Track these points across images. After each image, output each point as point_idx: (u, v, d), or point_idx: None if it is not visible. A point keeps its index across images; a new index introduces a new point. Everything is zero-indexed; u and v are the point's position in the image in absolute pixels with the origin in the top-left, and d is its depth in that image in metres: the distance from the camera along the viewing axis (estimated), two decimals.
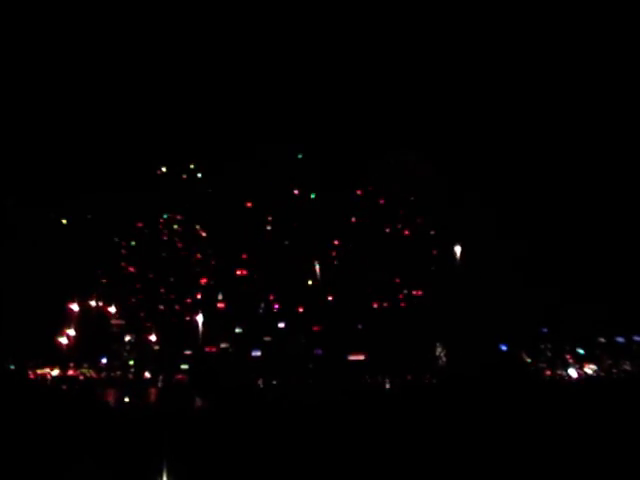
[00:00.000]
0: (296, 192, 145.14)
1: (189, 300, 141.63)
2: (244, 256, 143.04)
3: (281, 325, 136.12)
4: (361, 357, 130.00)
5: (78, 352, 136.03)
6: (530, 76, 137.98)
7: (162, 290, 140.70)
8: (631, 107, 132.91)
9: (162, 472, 27.59)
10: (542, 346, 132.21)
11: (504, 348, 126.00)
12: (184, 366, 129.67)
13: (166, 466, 27.91)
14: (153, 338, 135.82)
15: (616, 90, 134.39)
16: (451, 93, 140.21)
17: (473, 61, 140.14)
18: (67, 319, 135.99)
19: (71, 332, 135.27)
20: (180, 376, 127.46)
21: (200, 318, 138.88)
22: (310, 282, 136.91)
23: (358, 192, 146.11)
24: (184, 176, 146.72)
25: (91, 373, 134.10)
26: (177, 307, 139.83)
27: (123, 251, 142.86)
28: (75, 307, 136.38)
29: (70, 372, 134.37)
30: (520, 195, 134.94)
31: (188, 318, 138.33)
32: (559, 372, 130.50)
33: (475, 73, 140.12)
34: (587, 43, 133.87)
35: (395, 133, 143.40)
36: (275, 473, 35.91)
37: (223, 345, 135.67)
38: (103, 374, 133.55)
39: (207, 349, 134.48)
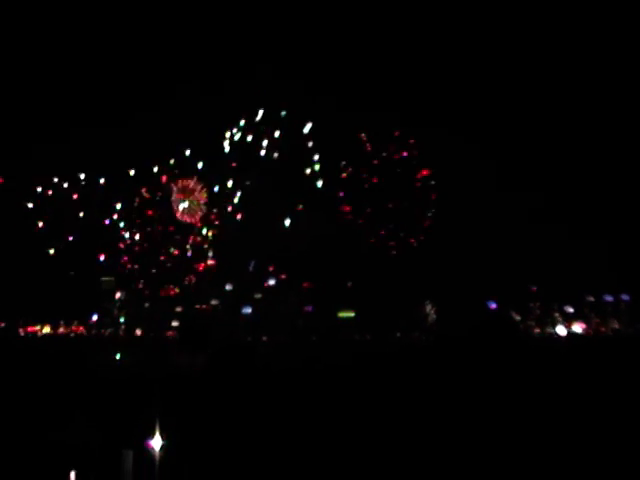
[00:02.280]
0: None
1: (180, 258, 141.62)
2: (236, 215, 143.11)
3: (271, 282, 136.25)
4: (350, 314, 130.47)
5: (69, 309, 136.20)
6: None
7: (152, 248, 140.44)
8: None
9: (154, 428, 27.57)
10: (531, 304, 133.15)
11: (493, 306, 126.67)
12: (175, 323, 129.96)
13: (158, 422, 27.91)
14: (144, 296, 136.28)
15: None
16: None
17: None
18: (57, 277, 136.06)
19: (62, 290, 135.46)
20: (171, 333, 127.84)
21: (191, 276, 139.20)
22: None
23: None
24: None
25: (82, 330, 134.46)
26: (168, 265, 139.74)
27: (115, 213, 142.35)
28: (65, 264, 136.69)
29: (61, 330, 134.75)
30: (510, 156, 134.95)
31: (179, 276, 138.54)
32: (548, 330, 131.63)
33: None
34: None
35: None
36: (265, 430, 36.14)
37: (214, 302, 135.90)
38: (94, 331, 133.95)
39: (198, 306, 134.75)
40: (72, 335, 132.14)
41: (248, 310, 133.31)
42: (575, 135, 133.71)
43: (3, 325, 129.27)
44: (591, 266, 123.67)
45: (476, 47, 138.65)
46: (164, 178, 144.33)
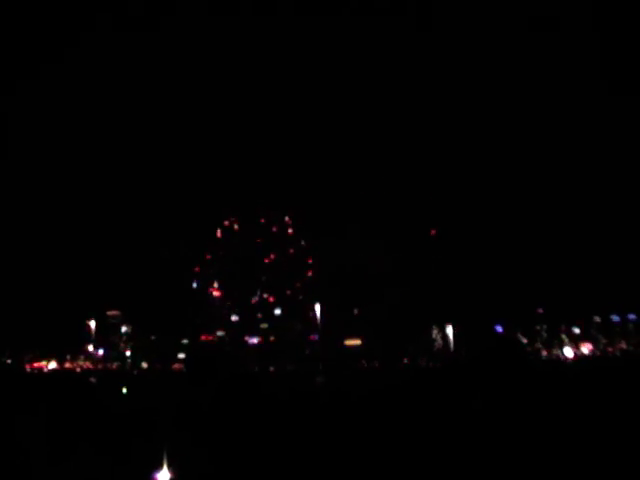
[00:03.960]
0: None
1: (185, 289, 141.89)
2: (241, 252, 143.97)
3: (277, 312, 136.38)
4: (357, 342, 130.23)
5: (75, 344, 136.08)
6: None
7: (158, 280, 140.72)
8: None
9: (161, 462, 27.59)
10: (538, 326, 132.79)
11: (500, 329, 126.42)
12: (181, 355, 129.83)
13: (165, 456, 27.91)
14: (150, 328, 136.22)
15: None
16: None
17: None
18: (64, 312, 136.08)
19: (68, 325, 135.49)
20: (177, 365, 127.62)
21: (196, 307, 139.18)
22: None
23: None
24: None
25: (88, 365, 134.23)
26: (173, 296, 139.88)
27: (119, 243, 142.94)
28: (69, 297, 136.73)
29: (67, 365, 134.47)
30: (513, 179, 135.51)
31: (184, 307, 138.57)
32: (555, 352, 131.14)
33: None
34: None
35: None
36: (274, 460, 35.98)
37: (219, 333, 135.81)
38: (100, 365, 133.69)
39: (204, 337, 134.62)
40: (78, 370, 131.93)
41: (254, 340, 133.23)
42: (581, 156, 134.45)
43: (9, 362, 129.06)
44: (597, 286, 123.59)
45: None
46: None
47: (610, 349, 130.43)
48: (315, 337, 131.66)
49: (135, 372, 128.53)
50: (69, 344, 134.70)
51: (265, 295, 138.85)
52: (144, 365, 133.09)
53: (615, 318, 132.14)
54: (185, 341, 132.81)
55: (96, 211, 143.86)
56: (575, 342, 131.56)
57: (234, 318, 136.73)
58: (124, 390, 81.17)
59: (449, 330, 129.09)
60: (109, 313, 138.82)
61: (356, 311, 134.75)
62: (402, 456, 35.75)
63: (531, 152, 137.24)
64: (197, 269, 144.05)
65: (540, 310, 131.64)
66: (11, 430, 43.19)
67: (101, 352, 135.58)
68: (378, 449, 37.25)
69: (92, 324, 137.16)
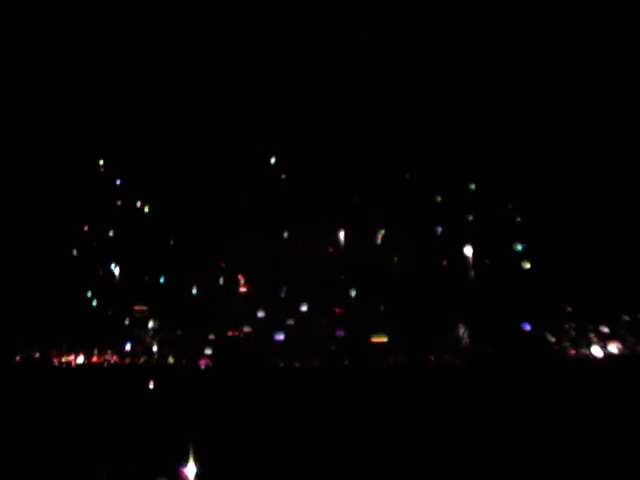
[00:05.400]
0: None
1: (211, 284, 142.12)
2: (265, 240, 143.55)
3: (303, 308, 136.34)
4: (384, 339, 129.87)
5: (101, 338, 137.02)
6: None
7: (184, 274, 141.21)
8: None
9: (188, 456, 27.68)
10: (566, 325, 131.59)
11: (527, 327, 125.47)
12: (208, 351, 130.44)
13: (191, 449, 28.02)
14: (176, 324, 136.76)
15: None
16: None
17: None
18: (90, 305, 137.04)
19: (94, 318, 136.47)
20: (204, 361, 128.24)
21: (223, 302, 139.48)
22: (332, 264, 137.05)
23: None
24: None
25: (115, 359, 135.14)
26: (199, 291, 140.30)
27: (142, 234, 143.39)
28: (97, 292, 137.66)
29: (94, 359, 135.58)
30: (542, 172, 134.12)
31: (211, 303, 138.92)
32: (583, 351, 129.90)
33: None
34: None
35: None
36: (297, 457, 35.98)
37: (246, 329, 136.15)
38: (127, 360, 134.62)
39: (230, 333, 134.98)
40: (105, 364, 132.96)
41: (281, 337, 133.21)
42: (612, 154, 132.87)
43: (37, 355, 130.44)
44: (626, 285, 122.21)
45: None
46: None
47: (639, 348, 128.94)
48: (341, 333, 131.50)
49: (162, 366, 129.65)
50: (96, 338, 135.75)
51: (291, 291, 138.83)
52: (170, 360, 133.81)
53: None
54: (211, 337, 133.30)
55: (127, 204, 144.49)
56: (603, 341, 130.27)
57: (260, 314, 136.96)
58: (151, 385, 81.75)
59: (475, 325, 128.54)
60: (136, 308, 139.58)
61: (382, 308, 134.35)
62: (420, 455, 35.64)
63: (564, 149, 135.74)
64: (223, 265, 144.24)
65: (569, 308, 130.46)
66: (40, 422, 43.63)
67: (128, 347, 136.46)
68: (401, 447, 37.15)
69: (119, 319, 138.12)
